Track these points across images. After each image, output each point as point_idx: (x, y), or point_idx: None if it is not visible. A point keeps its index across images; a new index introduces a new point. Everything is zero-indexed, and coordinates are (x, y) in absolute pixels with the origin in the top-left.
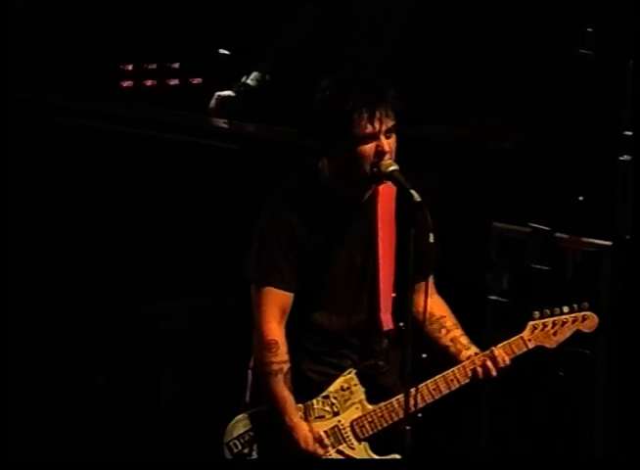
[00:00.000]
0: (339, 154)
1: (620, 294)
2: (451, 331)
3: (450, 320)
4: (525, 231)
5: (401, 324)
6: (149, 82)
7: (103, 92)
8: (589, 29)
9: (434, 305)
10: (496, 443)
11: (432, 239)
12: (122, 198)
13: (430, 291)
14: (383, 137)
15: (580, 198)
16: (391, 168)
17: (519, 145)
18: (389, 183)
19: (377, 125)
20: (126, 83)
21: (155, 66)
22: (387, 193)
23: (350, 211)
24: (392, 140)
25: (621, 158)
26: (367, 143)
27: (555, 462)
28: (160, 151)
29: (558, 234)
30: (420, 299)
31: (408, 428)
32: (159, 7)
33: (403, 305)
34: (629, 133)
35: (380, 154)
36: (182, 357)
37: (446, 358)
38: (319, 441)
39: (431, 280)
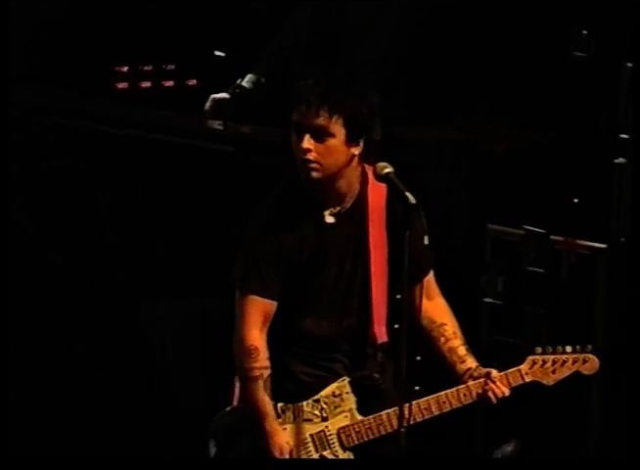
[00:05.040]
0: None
1: (616, 296)
2: (450, 340)
3: (451, 328)
4: (520, 233)
5: (396, 326)
6: (144, 84)
7: (98, 94)
8: (584, 32)
9: (435, 310)
10: (491, 443)
11: (426, 241)
12: (118, 200)
13: (431, 293)
14: (307, 134)
15: (575, 200)
16: (386, 171)
17: (514, 147)
18: (382, 186)
19: (299, 117)
20: (121, 85)
21: (150, 67)
22: (377, 197)
23: (337, 216)
24: (326, 145)
25: (617, 160)
26: (297, 134)
27: (551, 463)
28: (155, 153)
29: (553, 236)
30: (422, 303)
31: (403, 430)
32: (154, 8)
33: (399, 308)
34: (625, 136)
35: (302, 150)
36: (179, 358)
37: (443, 365)
38: (293, 453)
39: (433, 283)
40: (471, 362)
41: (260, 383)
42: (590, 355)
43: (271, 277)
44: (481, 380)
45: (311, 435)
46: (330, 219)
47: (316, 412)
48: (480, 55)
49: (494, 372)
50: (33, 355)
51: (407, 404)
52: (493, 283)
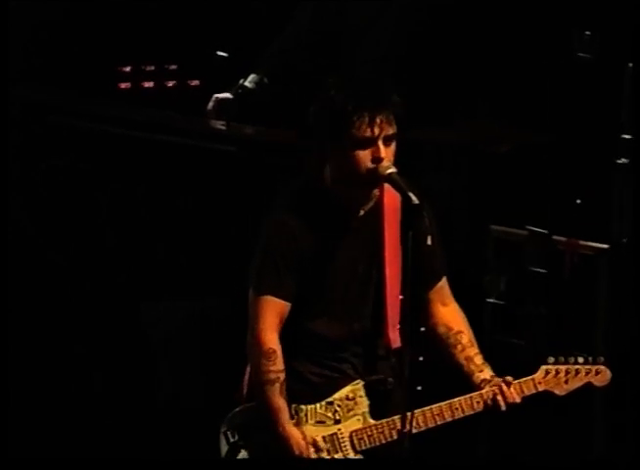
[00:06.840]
0: (337, 157)
1: (618, 296)
2: (466, 349)
3: (467, 336)
4: (523, 234)
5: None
6: (146, 84)
7: (100, 93)
8: (587, 32)
9: (451, 317)
10: (496, 443)
11: (429, 242)
12: (119, 200)
13: (446, 300)
14: (380, 143)
15: (578, 201)
16: (389, 171)
17: (516, 148)
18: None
19: (376, 130)
20: (124, 85)
21: (152, 67)
22: (392, 201)
23: (354, 219)
24: (392, 148)
25: (619, 161)
26: (364, 148)
27: (555, 464)
28: (157, 153)
29: (555, 237)
30: (437, 309)
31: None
32: (156, 8)
33: (409, 310)
34: (627, 136)
35: (376, 160)
36: (179, 359)
37: (457, 374)
38: (313, 445)
39: (447, 289)
40: (487, 372)
41: (277, 386)
42: (602, 368)
43: (287, 278)
44: (495, 387)
45: (323, 437)
46: (355, 223)
47: (329, 414)
48: (480, 55)
49: (510, 379)
50: (33, 355)
51: (413, 409)
52: (496, 283)
